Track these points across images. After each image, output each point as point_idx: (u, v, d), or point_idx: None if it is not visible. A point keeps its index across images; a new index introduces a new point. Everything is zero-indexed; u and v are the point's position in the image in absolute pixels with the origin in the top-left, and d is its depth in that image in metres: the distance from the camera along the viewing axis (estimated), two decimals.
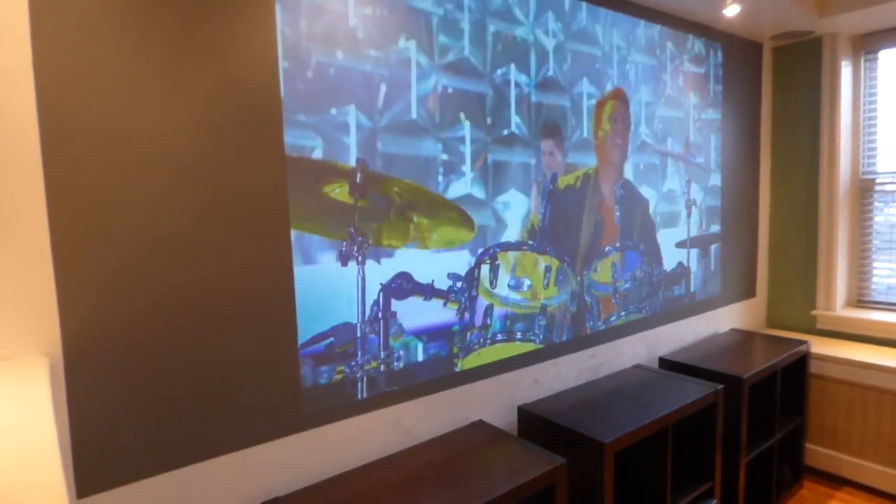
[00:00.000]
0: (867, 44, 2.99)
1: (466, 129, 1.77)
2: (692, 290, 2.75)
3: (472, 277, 1.82)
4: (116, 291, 1.17)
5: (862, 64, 3.03)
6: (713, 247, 2.86)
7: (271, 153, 1.37)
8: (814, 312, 3.12)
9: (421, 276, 1.69)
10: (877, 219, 3.04)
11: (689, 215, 2.68)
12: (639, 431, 1.80)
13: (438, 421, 1.78)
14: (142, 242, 1.20)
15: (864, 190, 3.07)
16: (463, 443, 1.71)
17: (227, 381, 1.33)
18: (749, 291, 3.19)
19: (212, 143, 1.28)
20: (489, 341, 1.89)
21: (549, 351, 2.09)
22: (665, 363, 2.53)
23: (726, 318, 3.03)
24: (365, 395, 1.59)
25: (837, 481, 2.81)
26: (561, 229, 2.10)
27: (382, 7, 1.55)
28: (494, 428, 1.81)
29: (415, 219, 1.67)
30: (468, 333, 1.83)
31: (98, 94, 1.13)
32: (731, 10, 2.52)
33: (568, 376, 2.18)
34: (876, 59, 2.99)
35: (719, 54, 2.80)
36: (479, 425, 1.83)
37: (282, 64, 1.38)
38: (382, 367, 1.62)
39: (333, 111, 1.47)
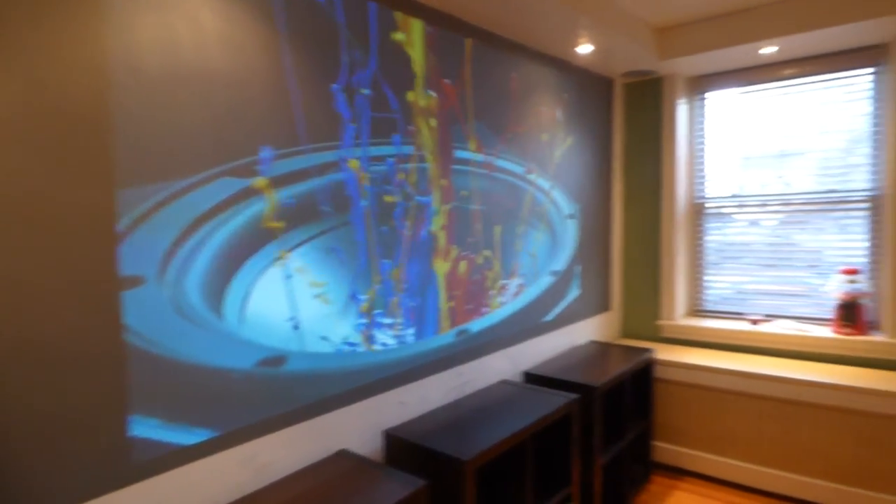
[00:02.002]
0: (698, 85, 3.40)
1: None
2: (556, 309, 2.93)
3: None
4: None
5: (694, 103, 3.44)
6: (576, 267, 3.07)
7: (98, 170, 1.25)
8: (659, 322, 3.46)
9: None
10: (708, 237, 3.44)
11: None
12: (499, 446, 1.86)
13: (298, 454, 1.72)
14: None
15: (697, 213, 3.47)
16: (324, 475, 1.66)
17: (38, 430, 1.17)
18: (606, 305, 3.46)
19: (23, 156, 1.13)
20: None
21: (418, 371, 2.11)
22: (529, 377, 2.65)
23: (586, 331, 3.26)
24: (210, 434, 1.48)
25: (680, 473, 3.12)
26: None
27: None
28: (359, 456, 1.78)
29: None
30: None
31: None
32: (585, 49, 2.74)
33: (435, 397, 2.21)
34: (704, 98, 3.41)
35: (574, 88, 3.03)
36: (343, 455, 1.79)
37: (113, 74, 1.26)
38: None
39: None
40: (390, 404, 2.01)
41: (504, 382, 2.50)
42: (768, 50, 2.85)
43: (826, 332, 2.93)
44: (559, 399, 2.25)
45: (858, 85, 2.88)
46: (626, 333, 3.65)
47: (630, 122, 3.54)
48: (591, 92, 3.20)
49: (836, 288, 2.87)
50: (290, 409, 1.67)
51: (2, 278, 1.11)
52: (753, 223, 3.27)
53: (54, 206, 1.18)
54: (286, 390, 1.66)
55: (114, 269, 1.27)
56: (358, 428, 1.90)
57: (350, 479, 1.62)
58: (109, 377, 1.27)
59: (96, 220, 1.24)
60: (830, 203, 2.99)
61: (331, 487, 1.58)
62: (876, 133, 2.84)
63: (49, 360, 1.18)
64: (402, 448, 1.89)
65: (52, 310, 1.18)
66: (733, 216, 3.33)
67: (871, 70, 2.83)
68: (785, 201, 3.13)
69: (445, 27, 2.19)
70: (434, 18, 2.14)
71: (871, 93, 2.84)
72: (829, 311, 3.01)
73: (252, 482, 1.58)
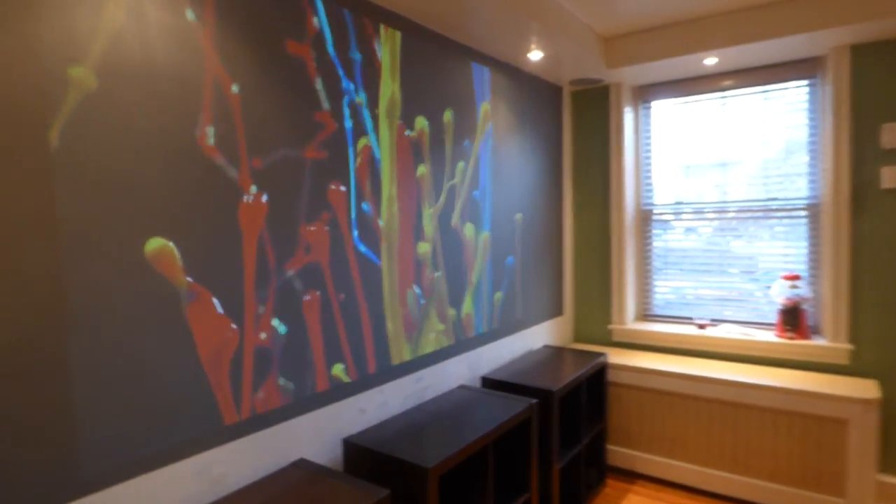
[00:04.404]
0: (644, 94, 3.51)
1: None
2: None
3: None
4: None
5: (640, 112, 3.56)
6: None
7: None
8: (610, 327, 3.52)
9: None
10: (655, 244, 3.55)
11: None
12: (461, 452, 1.83)
13: (255, 465, 1.62)
14: None
15: (645, 220, 3.57)
16: (281, 486, 1.57)
17: None
18: (558, 310, 3.49)
19: None
20: None
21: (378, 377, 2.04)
22: (487, 382, 2.63)
23: (540, 336, 3.28)
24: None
25: (633, 476, 3.17)
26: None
27: None
28: (317, 465, 1.70)
29: None
30: None
31: None
32: (535, 56, 2.78)
33: (394, 403, 2.15)
34: (650, 107, 3.53)
35: (525, 93, 3.07)
36: (301, 465, 1.71)
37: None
38: None
39: None
40: (350, 411, 1.94)
41: (463, 387, 2.46)
42: (711, 61, 2.99)
43: (770, 336, 3.05)
44: (519, 404, 2.24)
45: (795, 96, 3.04)
46: (578, 338, 3.70)
47: (579, 130, 3.62)
48: (540, 98, 3.24)
49: (778, 293, 2.99)
50: (246, 417, 1.58)
51: None
52: (693, 230, 3.40)
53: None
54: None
55: (58, 263, 1.17)
56: (317, 436, 1.82)
57: (309, 489, 1.54)
58: (56, 370, 1.16)
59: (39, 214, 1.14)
60: (770, 211, 3.14)
61: (288, 498, 1.49)
62: (812, 143, 3.01)
63: None
64: (363, 456, 1.82)
65: None
66: (675, 223, 3.45)
67: (806, 82, 3.00)
68: (724, 209, 3.27)
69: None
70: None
71: (807, 104, 3.01)
72: (771, 316, 3.15)
73: (207, 495, 1.48)
